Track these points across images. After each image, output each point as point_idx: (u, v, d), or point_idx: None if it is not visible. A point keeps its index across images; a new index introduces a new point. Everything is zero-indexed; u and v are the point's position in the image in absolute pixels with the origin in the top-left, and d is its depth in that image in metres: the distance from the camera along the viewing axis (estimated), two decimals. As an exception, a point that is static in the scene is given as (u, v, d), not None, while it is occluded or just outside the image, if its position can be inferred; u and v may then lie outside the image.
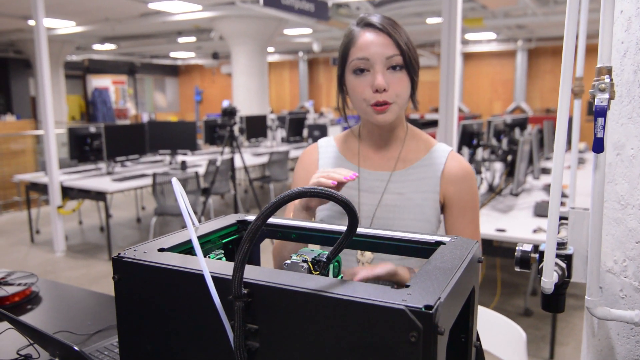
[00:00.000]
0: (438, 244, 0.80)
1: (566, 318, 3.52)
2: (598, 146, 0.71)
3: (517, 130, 4.87)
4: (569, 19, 0.73)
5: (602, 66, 0.73)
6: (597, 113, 0.70)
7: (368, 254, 1.25)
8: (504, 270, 4.37)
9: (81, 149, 5.45)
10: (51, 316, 1.48)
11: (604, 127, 0.70)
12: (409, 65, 1.17)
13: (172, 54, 18.66)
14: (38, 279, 1.64)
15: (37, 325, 1.02)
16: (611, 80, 0.71)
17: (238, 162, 5.57)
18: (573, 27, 0.71)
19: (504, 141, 4.13)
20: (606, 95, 0.71)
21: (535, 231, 2.92)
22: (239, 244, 0.98)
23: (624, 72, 0.90)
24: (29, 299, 1.56)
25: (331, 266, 0.82)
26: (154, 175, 4.89)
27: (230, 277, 0.61)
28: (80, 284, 4.38)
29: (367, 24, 1.19)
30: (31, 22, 8.37)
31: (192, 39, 13.23)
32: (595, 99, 0.70)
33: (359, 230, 0.84)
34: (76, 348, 0.86)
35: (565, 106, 0.73)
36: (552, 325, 3.05)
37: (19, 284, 1.58)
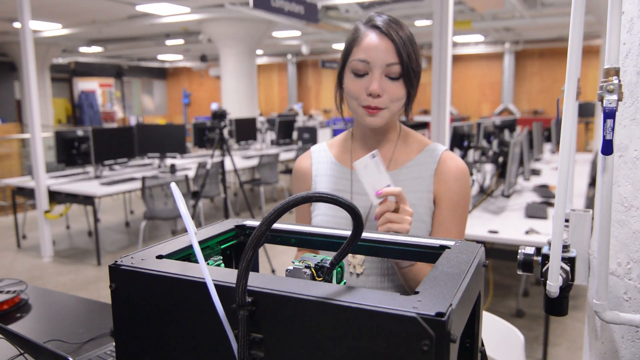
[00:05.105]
0: (443, 248, 0.78)
1: (559, 319, 3.53)
2: (607, 148, 0.69)
3: (506, 132, 4.89)
4: (574, 23, 0.72)
5: (610, 67, 0.72)
6: (606, 115, 0.68)
7: (360, 256, 1.23)
8: (496, 272, 4.39)
9: (68, 152, 5.37)
10: (42, 324, 1.44)
11: (613, 129, 0.69)
12: (406, 76, 1.17)
13: (160, 57, 18.54)
14: (27, 286, 1.60)
15: (28, 334, 0.99)
16: (619, 81, 0.70)
17: (228, 165, 5.53)
18: (579, 31, 0.70)
19: (494, 143, 4.15)
20: (615, 97, 0.69)
21: (527, 232, 2.92)
22: (237, 249, 0.96)
23: (626, 73, 0.89)
24: (18, 307, 1.52)
25: (334, 272, 0.80)
26: (143, 178, 4.84)
27: (233, 285, 0.59)
28: (68, 290, 4.31)
29: (373, 26, 1.18)
30: (17, 25, 8.28)
31: (180, 41, 13.16)
32: (604, 101, 0.69)
33: (363, 234, 0.82)
34: (70, 358, 0.83)
35: (571, 110, 0.72)
36: (545, 326, 3.05)
37: (8, 292, 1.54)
